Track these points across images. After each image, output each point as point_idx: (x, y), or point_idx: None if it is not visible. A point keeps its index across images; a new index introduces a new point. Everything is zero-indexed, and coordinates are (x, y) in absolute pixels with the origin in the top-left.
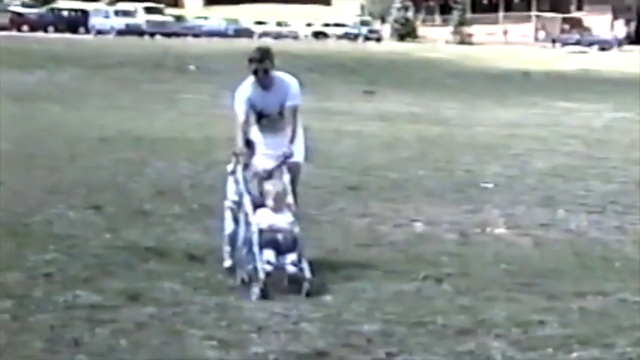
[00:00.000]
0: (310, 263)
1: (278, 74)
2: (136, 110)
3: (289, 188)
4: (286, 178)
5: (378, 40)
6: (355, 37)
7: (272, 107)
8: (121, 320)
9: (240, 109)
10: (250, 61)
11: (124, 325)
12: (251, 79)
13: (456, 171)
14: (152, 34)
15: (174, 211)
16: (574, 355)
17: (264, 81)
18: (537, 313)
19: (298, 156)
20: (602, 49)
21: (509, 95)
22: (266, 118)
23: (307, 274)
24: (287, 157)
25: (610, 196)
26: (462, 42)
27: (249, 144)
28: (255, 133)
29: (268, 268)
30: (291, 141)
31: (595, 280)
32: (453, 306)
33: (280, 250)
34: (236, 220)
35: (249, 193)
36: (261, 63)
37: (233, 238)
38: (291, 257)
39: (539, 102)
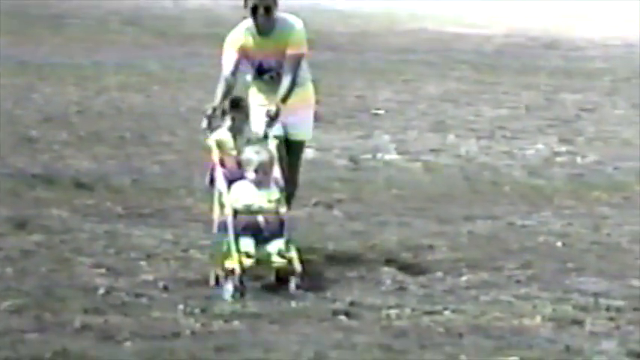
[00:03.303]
0: (299, 250)
1: (280, 16)
2: (20, 35)
3: (277, 156)
4: (272, 144)
5: None
6: None
7: (274, 59)
8: (7, 248)
9: (229, 58)
10: None
11: (10, 252)
12: (245, 23)
13: (347, 97)
14: None
15: (62, 138)
16: (463, 278)
17: (264, 23)
18: (427, 237)
19: (304, 133)
20: None
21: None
22: (268, 75)
23: (296, 265)
24: (271, 117)
25: (499, 121)
26: None
27: (237, 104)
28: (254, 95)
29: (247, 262)
30: (284, 99)
31: (484, 205)
32: (344, 231)
33: (262, 237)
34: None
35: (223, 165)
36: None
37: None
38: (277, 245)
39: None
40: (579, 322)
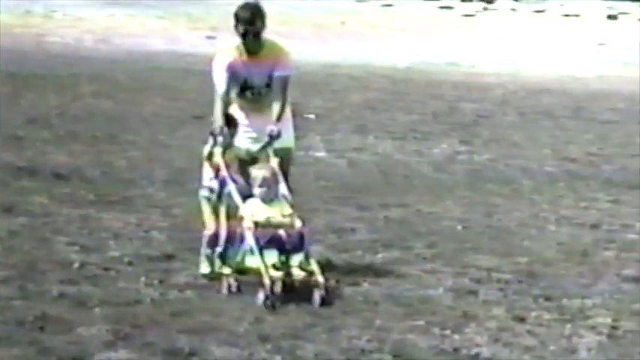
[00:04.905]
0: (319, 264)
1: (267, 39)
2: (9, 52)
3: (280, 174)
4: (274, 161)
5: None
6: None
7: (259, 77)
8: None
9: (221, 78)
10: (237, 20)
11: None
12: (233, 42)
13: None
14: None
15: (44, 137)
16: (379, 255)
17: (253, 45)
18: (350, 221)
19: (288, 141)
20: None
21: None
22: (250, 91)
23: (319, 277)
24: (272, 137)
25: (411, 125)
26: None
27: (229, 121)
28: (236, 110)
29: (275, 274)
30: (278, 118)
31: (398, 194)
32: None
33: (284, 250)
34: (216, 214)
35: (234, 180)
36: (252, 25)
37: (214, 239)
38: (298, 258)
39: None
40: (474, 292)
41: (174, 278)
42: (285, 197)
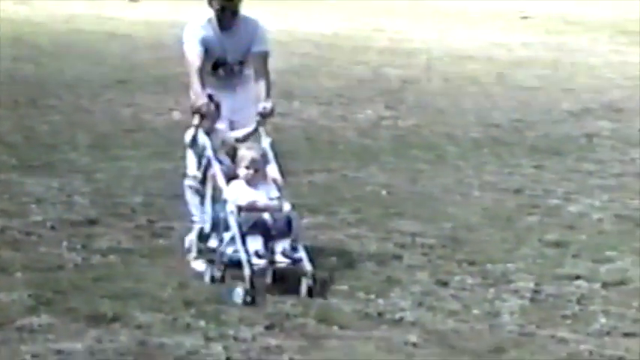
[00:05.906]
0: (308, 250)
1: (240, 13)
2: None
3: (272, 154)
4: (266, 141)
5: None
6: None
7: (233, 53)
8: None
9: (194, 51)
10: None
11: None
12: (205, 15)
13: None
14: None
15: None
16: (304, 221)
17: (230, 22)
18: None
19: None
20: None
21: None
22: (223, 68)
23: (307, 266)
24: (265, 115)
25: (337, 91)
26: None
27: (211, 101)
28: (213, 90)
29: (259, 262)
30: (267, 94)
31: (322, 160)
32: None
33: (270, 236)
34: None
35: (220, 161)
36: (231, 1)
37: (202, 230)
38: (283, 245)
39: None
40: (399, 257)
41: (97, 243)
42: (275, 181)
